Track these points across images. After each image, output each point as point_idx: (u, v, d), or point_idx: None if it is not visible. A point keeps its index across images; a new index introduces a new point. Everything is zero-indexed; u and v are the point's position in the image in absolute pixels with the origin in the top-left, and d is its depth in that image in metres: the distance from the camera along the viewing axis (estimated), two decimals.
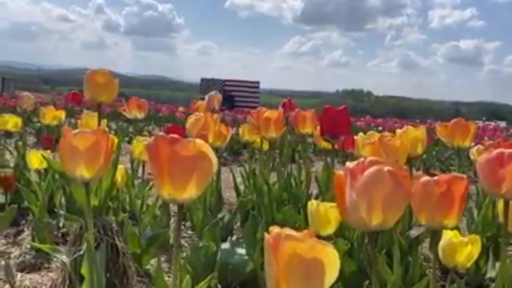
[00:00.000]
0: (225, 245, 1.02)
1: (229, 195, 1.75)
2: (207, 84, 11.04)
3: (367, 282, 0.87)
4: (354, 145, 1.30)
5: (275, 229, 0.40)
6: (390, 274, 0.71)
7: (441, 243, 0.66)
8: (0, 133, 1.85)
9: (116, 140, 0.73)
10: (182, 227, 1.45)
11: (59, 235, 1.27)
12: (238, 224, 1.37)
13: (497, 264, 1.06)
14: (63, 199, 1.36)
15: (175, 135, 0.49)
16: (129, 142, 2.97)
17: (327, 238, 0.80)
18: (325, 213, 0.76)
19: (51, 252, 0.79)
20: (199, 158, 0.47)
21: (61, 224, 1.32)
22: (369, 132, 1.17)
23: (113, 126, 4.47)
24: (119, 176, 1.07)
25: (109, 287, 0.78)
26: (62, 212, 1.24)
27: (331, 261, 0.39)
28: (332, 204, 0.79)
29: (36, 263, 1.09)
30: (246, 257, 1.01)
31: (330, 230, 0.76)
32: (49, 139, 1.70)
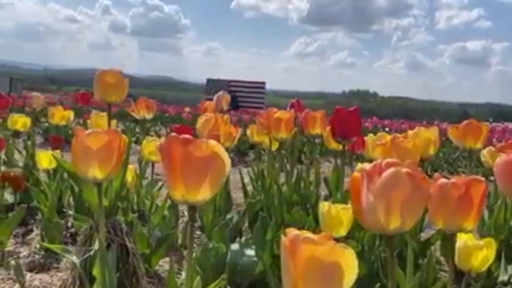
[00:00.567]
0: (234, 246, 1.01)
1: (235, 195, 1.75)
2: (213, 85, 11.04)
3: (378, 284, 0.86)
4: (363, 146, 1.29)
5: (291, 231, 0.39)
6: (403, 278, 0.70)
7: (456, 246, 0.65)
8: (9, 133, 1.86)
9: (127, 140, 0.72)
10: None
11: (68, 235, 1.28)
12: (246, 225, 1.36)
13: (510, 268, 1.04)
14: (71, 199, 1.37)
15: (188, 136, 0.48)
16: (136, 142, 2.98)
17: (337, 240, 0.78)
18: (337, 214, 0.75)
19: (61, 252, 0.78)
20: (212, 159, 0.47)
21: (69, 224, 1.32)
22: (379, 134, 1.16)
23: (120, 126, 4.49)
24: (129, 176, 1.06)
25: (119, 287, 0.78)
26: (71, 212, 1.24)
27: (350, 264, 0.38)
28: (344, 205, 0.79)
29: (45, 263, 1.09)
30: (255, 259, 1.00)
31: (342, 232, 0.75)
32: (57, 139, 1.70)
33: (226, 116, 0.95)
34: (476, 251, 0.65)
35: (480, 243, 0.65)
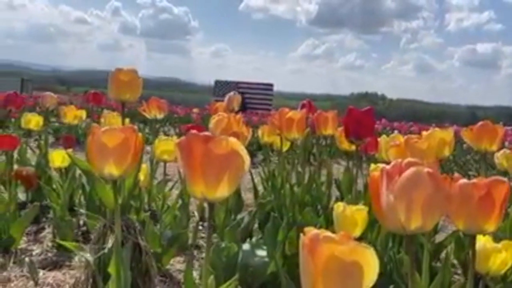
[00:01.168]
0: (245, 247, 1.01)
1: (245, 196, 1.75)
2: (221, 86, 11.06)
3: (391, 286, 0.85)
4: (376, 147, 1.28)
5: (310, 231, 0.39)
6: (419, 280, 0.69)
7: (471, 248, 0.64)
8: (21, 132, 1.88)
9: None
10: (200, 227, 1.44)
11: (79, 233, 1.28)
12: (256, 225, 1.36)
13: None
14: (82, 198, 1.38)
15: (207, 133, 0.48)
16: (146, 142, 2.99)
17: None
18: (351, 215, 0.75)
19: (76, 250, 0.79)
20: (232, 156, 0.47)
21: (81, 223, 1.33)
22: (392, 135, 1.15)
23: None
24: (142, 175, 1.07)
25: (131, 286, 0.78)
26: (82, 210, 1.25)
27: (371, 264, 0.38)
28: (358, 206, 0.78)
29: (58, 261, 1.09)
30: (266, 259, 1.00)
31: (357, 233, 0.74)
32: (69, 138, 1.71)
33: (239, 116, 0.95)
34: (495, 253, 0.64)
35: (498, 246, 0.64)
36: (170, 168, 1.39)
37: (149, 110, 1.47)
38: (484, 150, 1.05)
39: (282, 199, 1.12)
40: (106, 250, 0.77)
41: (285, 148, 1.34)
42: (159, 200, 1.21)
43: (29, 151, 1.89)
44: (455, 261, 1.18)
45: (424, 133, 0.95)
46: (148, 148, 2.09)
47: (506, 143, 4.00)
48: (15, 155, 1.65)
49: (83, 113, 1.91)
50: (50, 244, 1.21)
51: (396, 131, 6.22)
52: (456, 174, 0.53)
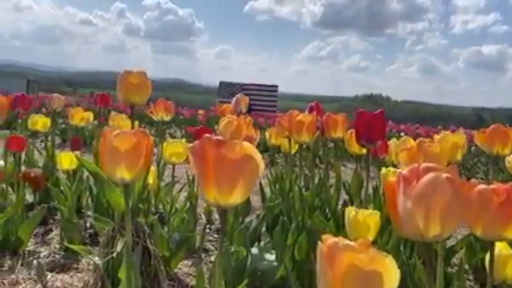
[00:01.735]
0: (253, 250, 1.00)
1: (251, 199, 1.74)
2: (226, 88, 11.06)
3: None
4: (387, 150, 1.27)
5: (328, 238, 0.38)
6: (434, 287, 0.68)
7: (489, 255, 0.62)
8: (28, 133, 1.88)
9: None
10: (208, 230, 1.44)
11: (87, 235, 1.28)
12: (264, 229, 1.35)
13: None
14: (89, 200, 1.37)
15: (221, 137, 0.47)
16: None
17: None
18: (364, 220, 0.74)
19: (84, 253, 0.78)
20: (246, 160, 0.46)
21: (88, 225, 1.32)
22: (402, 138, 1.13)
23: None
24: (151, 178, 1.06)
25: None
26: (89, 212, 1.25)
27: (391, 272, 0.37)
28: (371, 211, 0.77)
29: (65, 263, 1.09)
30: (275, 263, 0.99)
31: (369, 238, 0.73)
32: (77, 140, 1.71)
33: (248, 118, 0.94)
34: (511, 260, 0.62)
35: None
36: (177, 170, 1.38)
37: (156, 112, 1.46)
38: (496, 154, 1.04)
39: (291, 202, 1.11)
40: (115, 254, 0.76)
41: (293, 151, 1.32)
42: (167, 203, 1.20)
43: (36, 152, 1.89)
44: (466, 266, 1.16)
45: (436, 136, 0.94)
46: (154, 150, 2.08)
47: None
48: (23, 156, 1.65)
49: (90, 115, 1.91)
50: (57, 246, 1.21)
51: (402, 134, 6.18)
52: (473, 180, 0.52)
